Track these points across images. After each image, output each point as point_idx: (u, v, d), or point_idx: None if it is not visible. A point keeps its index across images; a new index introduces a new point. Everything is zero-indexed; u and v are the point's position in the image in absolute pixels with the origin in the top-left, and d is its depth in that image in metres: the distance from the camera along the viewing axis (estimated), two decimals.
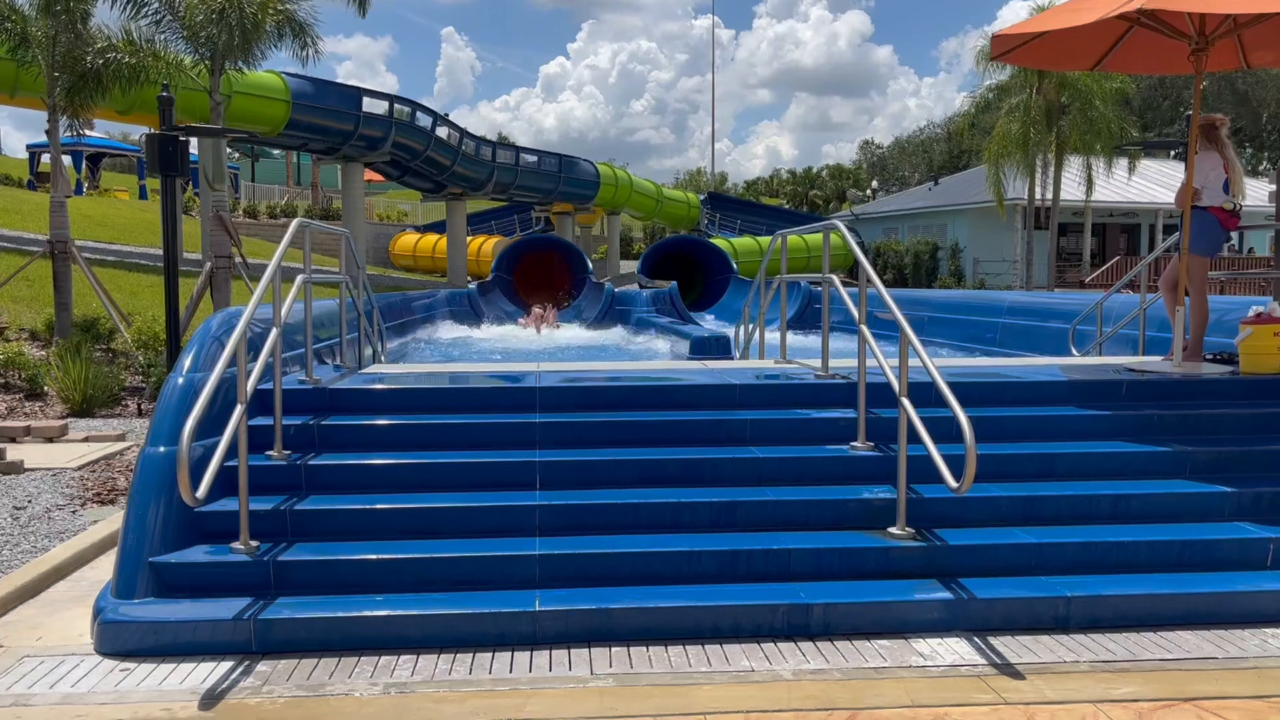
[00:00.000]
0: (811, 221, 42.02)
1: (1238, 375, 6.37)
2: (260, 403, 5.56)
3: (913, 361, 4.88)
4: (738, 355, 9.18)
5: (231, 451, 4.52)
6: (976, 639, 4.38)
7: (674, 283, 18.22)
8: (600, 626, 4.35)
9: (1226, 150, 6.89)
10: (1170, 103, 60.93)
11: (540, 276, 23.04)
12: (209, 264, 13.38)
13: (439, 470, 5.18)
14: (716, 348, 10.34)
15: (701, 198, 43.94)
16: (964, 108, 37.41)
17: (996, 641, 4.36)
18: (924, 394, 5.56)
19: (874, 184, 66.47)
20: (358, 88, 26.93)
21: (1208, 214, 6.88)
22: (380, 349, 8.77)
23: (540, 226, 40.96)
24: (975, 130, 37.54)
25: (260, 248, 33.01)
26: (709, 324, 18.28)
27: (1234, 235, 28.69)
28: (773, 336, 8.43)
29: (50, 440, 8.96)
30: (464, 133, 30.87)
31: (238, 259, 13.67)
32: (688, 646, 4.31)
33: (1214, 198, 6.88)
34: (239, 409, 4.54)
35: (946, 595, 4.51)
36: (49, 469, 7.73)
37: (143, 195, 40.39)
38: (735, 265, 24.42)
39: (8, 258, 18.13)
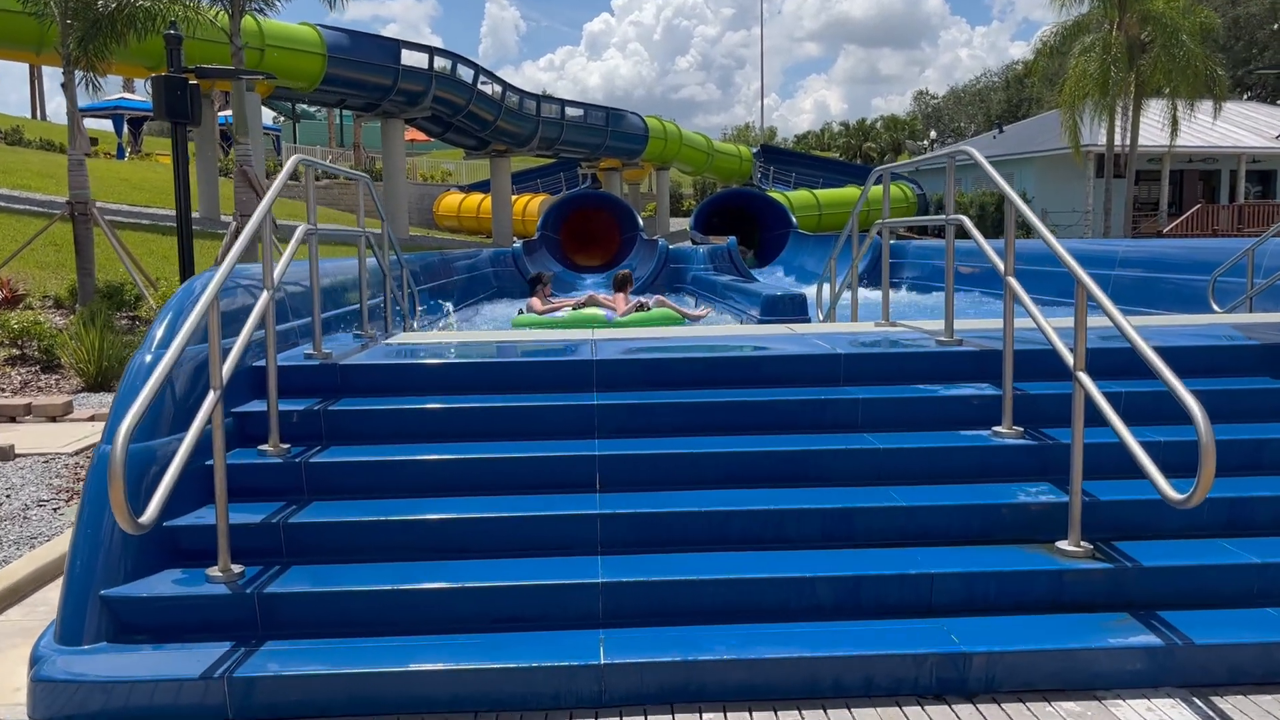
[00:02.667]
0: (861, 172, 40.25)
1: None
2: (256, 383, 4.53)
3: (1095, 322, 3.69)
4: (820, 316, 8.00)
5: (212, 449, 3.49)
6: (1198, 700, 3.23)
7: (732, 238, 16.96)
8: (686, 684, 3.27)
9: None
10: (1244, 43, 57.80)
11: (589, 234, 21.90)
12: (234, 223, 12.42)
13: (470, 468, 4.11)
14: (791, 307, 9.16)
15: (754, 150, 42.30)
16: (1026, 54, 35.35)
17: (1226, 704, 3.20)
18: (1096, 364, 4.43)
19: (931, 134, 64.15)
20: (396, 40, 25.87)
21: None
22: (413, 315, 7.73)
23: (588, 184, 39.70)
24: (1039, 78, 35.53)
25: (301, 210, 32.24)
26: (775, 282, 17.06)
27: None
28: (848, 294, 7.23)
29: (53, 419, 8.06)
30: (507, 86, 29.68)
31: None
32: (804, 711, 3.21)
33: None
34: (211, 395, 3.48)
35: (1150, 639, 3.35)
36: (41, 455, 6.81)
37: (119, 154, 39.75)
38: (794, 219, 23.07)
39: (36, 222, 17.39)
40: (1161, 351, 4.84)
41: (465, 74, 27.70)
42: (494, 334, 6.78)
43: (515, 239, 25.68)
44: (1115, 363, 4.76)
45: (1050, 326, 3.97)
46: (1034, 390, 4.53)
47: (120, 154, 39.33)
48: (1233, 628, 3.41)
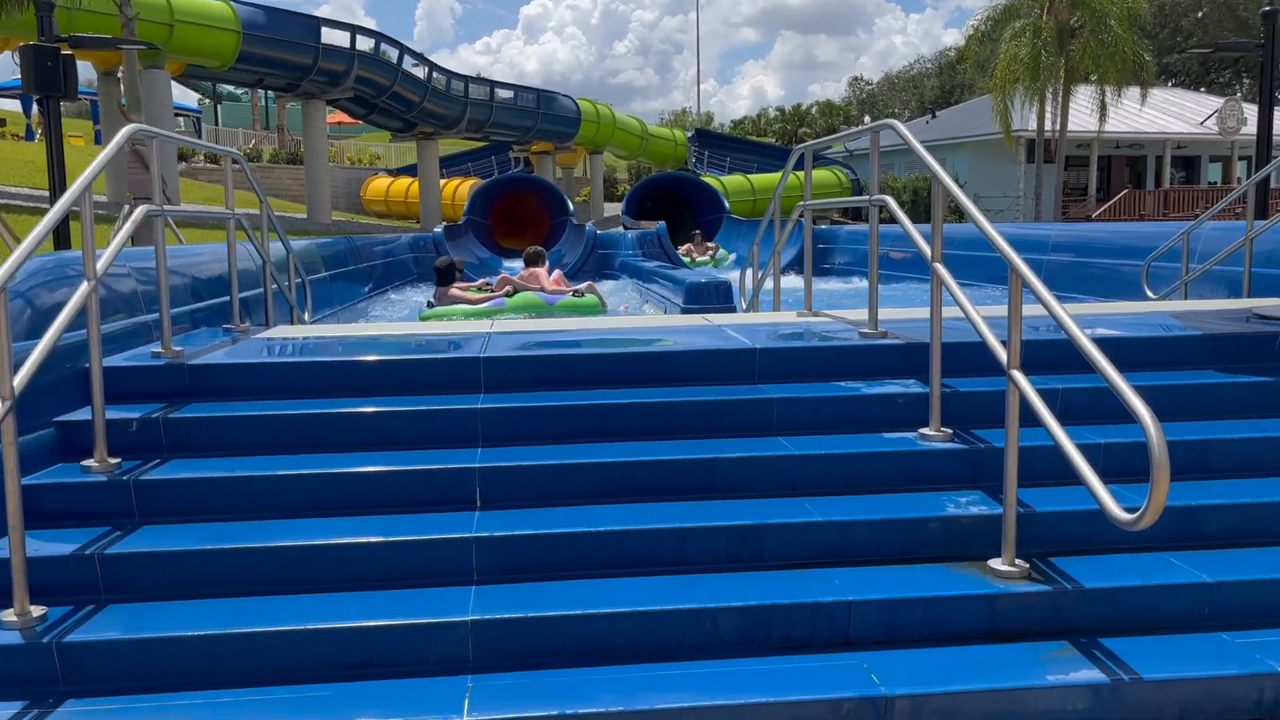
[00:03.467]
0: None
1: None
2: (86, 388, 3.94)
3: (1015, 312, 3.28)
4: (743, 306, 7.56)
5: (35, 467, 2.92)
6: None
7: (661, 222, 16.51)
8: None
9: None
10: (1169, 30, 58.74)
11: (519, 219, 21.30)
12: (126, 207, 11.59)
13: (330, 485, 3.58)
14: (716, 295, 8.72)
15: (689, 135, 41.80)
16: (959, 40, 35.42)
17: None
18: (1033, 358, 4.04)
19: (866, 119, 64.31)
20: (316, 17, 24.88)
21: None
22: (302, 307, 7.13)
23: (520, 168, 38.90)
24: (970, 64, 35.59)
25: (222, 194, 31.04)
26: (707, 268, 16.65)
27: None
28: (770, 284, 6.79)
29: None
30: (434, 66, 28.80)
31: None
32: None
33: None
34: (0, 406, 2.91)
35: (1094, 675, 2.95)
36: None
37: (98, 140, 38.11)
38: (727, 204, 22.69)
39: None
40: (1102, 343, 4.48)
41: (390, 53, 26.79)
42: (385, 327, 6.22)
43: (444, 223, 24.94)
44: (1053, 355, 4.39)
45: (982, 317, 3.56)
46: (965, 388, 4.13)
47: (29, 135, 37.55)
48: (1184, 659, 3.03)
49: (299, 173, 32.48)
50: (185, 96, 54.82)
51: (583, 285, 9.68)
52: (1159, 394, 4.13)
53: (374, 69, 26.16)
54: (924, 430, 3.92)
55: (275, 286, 6.44)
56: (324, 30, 24.85)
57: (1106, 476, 3.68)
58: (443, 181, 33.83)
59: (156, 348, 4.30)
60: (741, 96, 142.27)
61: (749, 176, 33.89)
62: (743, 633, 3.12)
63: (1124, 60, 27.21)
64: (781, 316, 5.73)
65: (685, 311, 8.81)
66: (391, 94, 27.10)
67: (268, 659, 2.98)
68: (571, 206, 21.73)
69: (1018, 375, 3.25)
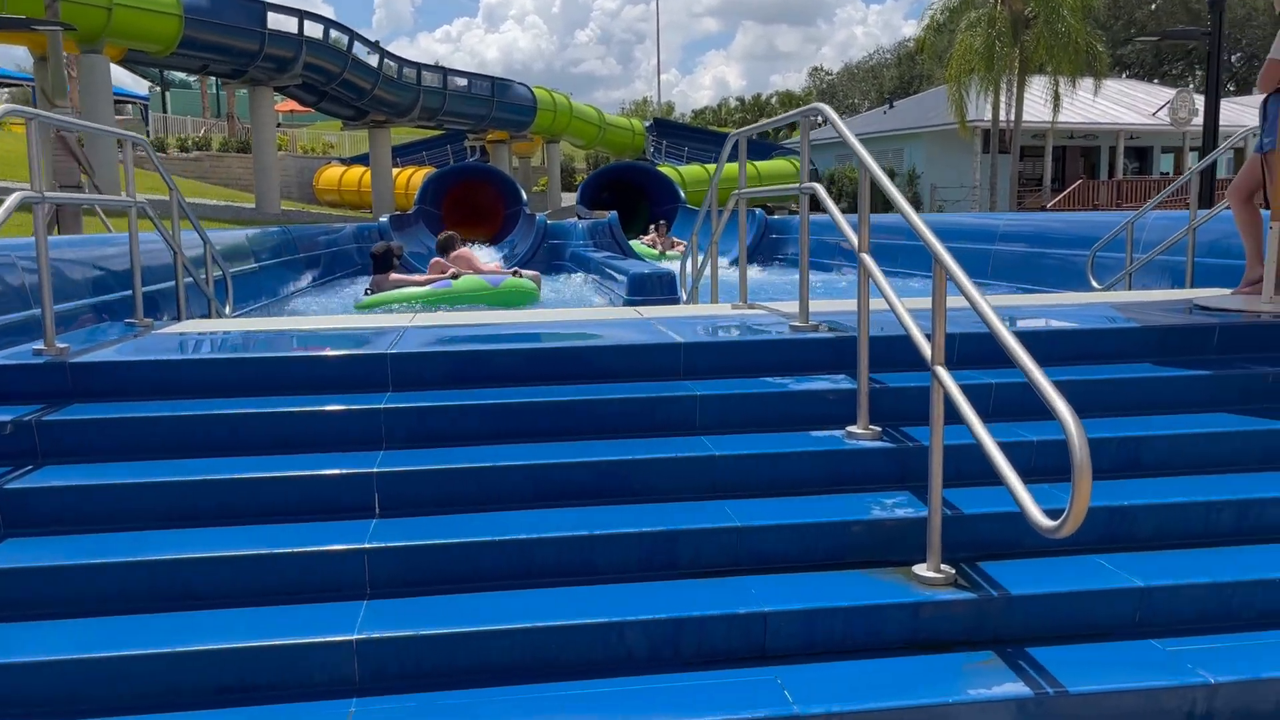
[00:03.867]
0: (766, 150, 39.92)
1: None
2: None
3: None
4: (684, 297, 7.38)
5: None
6: None
7: (613, 212, 16.28)
8: None
9: None
10: (1123, 22, 59.29)
11: (473, 209, 20.98)
12: None
13: (217, 492, 3.34)
14: (660, 287, 8.52)
15: (647, 124, 41.56)
16: (916, 32, 35.46)
17: None
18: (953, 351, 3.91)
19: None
20: (263, 2, 24.28)
21: None
22: (222, 300, 6.84)
23: (476, 157, 38.46)
24: (928, 54, 35.67)
25: (178, 185, 30.32)
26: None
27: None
28: (728, 274, 6.62)
29: None
30: (385, 53, 28.32)
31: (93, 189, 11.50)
32: None
33: None
34: None
35: (1019, 688, 2.79)
36: None
37: None
38: (683, 194, 22.49)
39: None
40: (1036, 336, 4.38)
41: (339, 39, 26.28)
42: (302, 321, 5.94)
43: (390, 213, 24.49)
44: (990, 349, 4.23)
45: (907, 310, 3.39)
46: (895, 383, 3.97)
47: None
48: (1113, 669, 2.88)
49: (249, 161, 31.84)
50: (140, 85, 53.70)
51: (528, 273, 9.50)
52: (1093, 389, 4.02)
53: (323, 55, 25.66)
54: (851, 428, 3.76)
55: (191, 279, 6.15)
56: (272, 15, 24.31)
57: (1039, 476, 3.56)
58: (396, 170, 33.36)
59: (39, 344, 4.02)
60: (704, 86, 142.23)
61: (707, 166, 33.74)
62: (652, 647, 2.93)
63: (1077, 51, 27.37)
64: (717, 309, 5.55)
65: (629, 303, 8.62)
66: (342, 81, 26.60)
67: (135, 685, 2.75)
68: (525, 196, 21.46)
69: (941, 371, 3.08)
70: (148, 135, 37.92)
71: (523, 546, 3.18)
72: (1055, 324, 4.58)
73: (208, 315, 6.47)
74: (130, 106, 46.21)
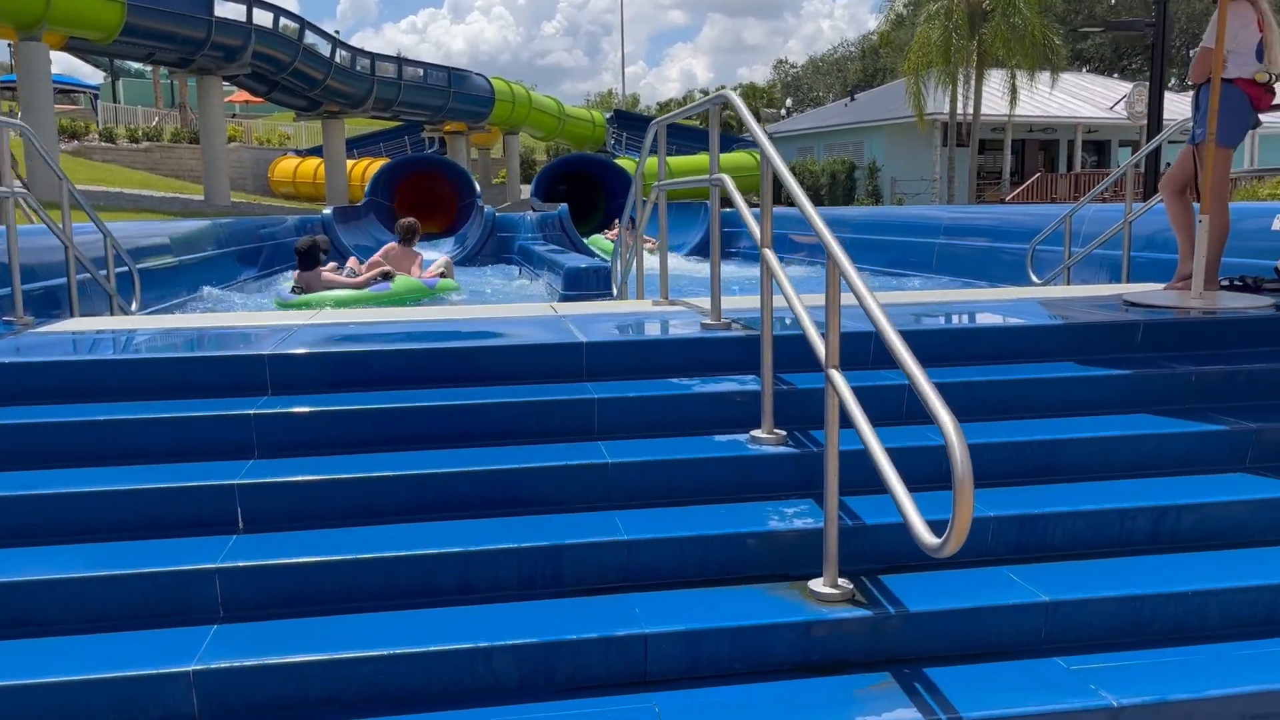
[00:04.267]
0: (728, 143, 39.71)
1: None
2: None
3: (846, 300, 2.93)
4: (615, 292, 7.17)
5: None
6: None
7: (563, 205, 16.02)
8: None
9: (1261, 3, 5.03)
10: (1083, 17, 59.66)
11: (428, 202, 20.63)
12: None
13: (57, 507, 3.09)
14: (596, 281, 8.31)
15: (608, 116, 41.25)
16: (879, 25, 35.37)
17: None
18: (858, 349, 3.74)
19: (788, 102, 64.44)
20: None
21: (1234, 88, 5.02)
22: (128, 296, 6.54)
23: (435, 148, 38.00)
24: (890, 48, 35.67)
25: (116, 175, 29.71)
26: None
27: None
28: (688, 266, 6.40)
29: None
30: (337, 42, 27.84)
31: (17, 186, 11.04)
32: None
33: (1243, 66, 5.03)
34: None
35: (912, 714, 2.62)
36: None
37: None
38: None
39: None
40: (955, 334, 4.21)
41: (290, 27, 25.77)
42: (195, 318, 5.65)
43: (334, 205, 24.05)
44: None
45: (805, 308, 3.20)
46: (804, 384, 3.79)
47: None
48: (1012, 690, 2.71)
49: (194, 151, 31.32)
50: (98, 75, 52.58)
51: (440, 262, 9.21)
52: (1011, 389, 3.86)
53: (273, 44, 25.15)
54: (756, 432, 3.57)
55: (90, 275, 5.85)
56: (220, 3, 23.79)
57: (945, 483, 3.39)
58: (352, 162, 32.86)
59: None
60: (671, 79, 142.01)
61: (667, 159, 33.50)
62: (523, 674, 2.73)
63: (1035, 44, 27.43)
64: (638, 306, 5.34)
65: (564, 298, 8.41)
66: (293, 71, 26.10)
67: None
68: (479, 188, 21.15)
69: (835, 375, 2.90)
70: (96, 125, 37.11)
71: (392, 564, 2.96)
72: (978, 321, 4.42)
73: (109, 313, 6.17)
74: (82, 96, 45.34)
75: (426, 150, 37.02)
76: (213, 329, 4.47)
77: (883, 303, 4.35)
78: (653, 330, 4.34)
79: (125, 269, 6.56)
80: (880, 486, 3.29)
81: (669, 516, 3.26)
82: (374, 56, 29.80)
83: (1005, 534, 3.25)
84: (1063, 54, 28.89)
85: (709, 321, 4.26)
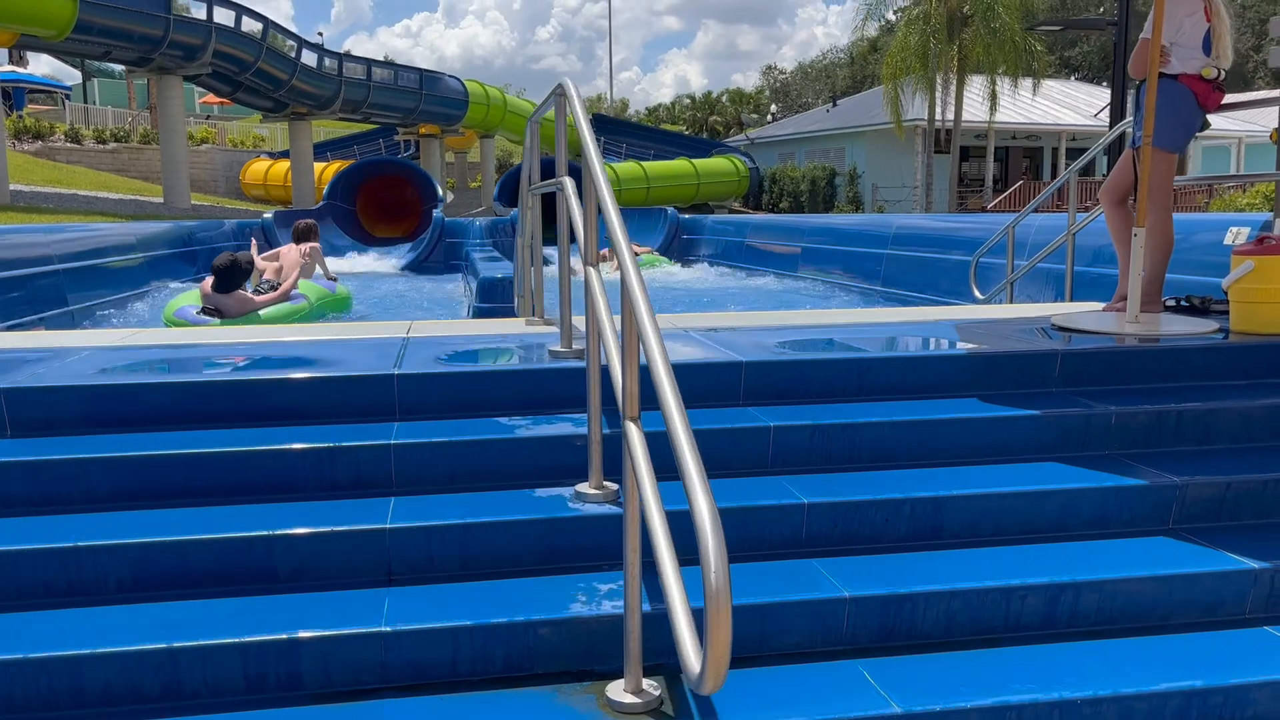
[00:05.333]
0: (707, 147, 39.16)
1: (1227, 338, 4.00)
2: None
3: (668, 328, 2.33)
4: (516, 307, 6.56)
5: None
6: None
7: (514, 210, 15.42)
8: None
9: None
10: (1081, 30, 59.21)
11: (393, 206, 20.06)
12: None
13: None
14: (511, 293, 7.70)
15: None
16: (860, 32, 34.80)
17: None
18: (721, 383, 3.17)
19: (773, 108, 64.02)
20: None
21: (1178, 85, 4.46)
22: None
23: (410, 151, 37.36)
24: (877, 54, 35.20)
25: (76, 176, 28.99)
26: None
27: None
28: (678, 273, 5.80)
29: None
30: (303, 42, 27.21)
31: None
32: None
33: (1188, 60, 4.47)
34: None
35: None
36: None
37: None
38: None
39: None
40: (844, 365, 3.62)
41: (252, 27, 25.13)
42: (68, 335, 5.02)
43: (277, 209, 23.34)
44: (777, 381, 3.50)
45: (655, 338, 2.60)
46: (652, 425, 3.19)
47: None
48: None
49: (153, 153, 30.69)
50: (74, 75, 51.71)
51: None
52: (898, 432, 3.27)
53: (235, 44, 24.50)
54: (582, 487, 2.98)
55: None
56: (179, 1, 23.14)
57: (800, 549, 2.82)
58: (322, 165, 32.23)
59: None
60: (664, 85, 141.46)
61: (643, 164, 32.97)
62: None
63: (1016, 50, 26.92)
64: (506, 326, 4.74)
65: (478, 311, 7.82)
66: (256, 70, 25.44)
67: None
68: (440, 192, 20.58)
69: (631, 427, 2.31)
70: (68, 126, 36.38)
71: (80, 664, 2.36)
72: (871, 350, 3.83)
73: None
74: (64, 97, 44.60)
75: (405, 153, 36.41)
76: None
77: (774, 324, 3.78)
78: (491, 359, 3.75)
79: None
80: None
81: (456, 596, 2.66)
82: (341, 57, 29.17)
83: (865, 619, 2.66)
84: (1045, 60, 28.39)
85: (558, 349, 3.66)
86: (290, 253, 8.76)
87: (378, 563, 2.75)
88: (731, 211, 35.38)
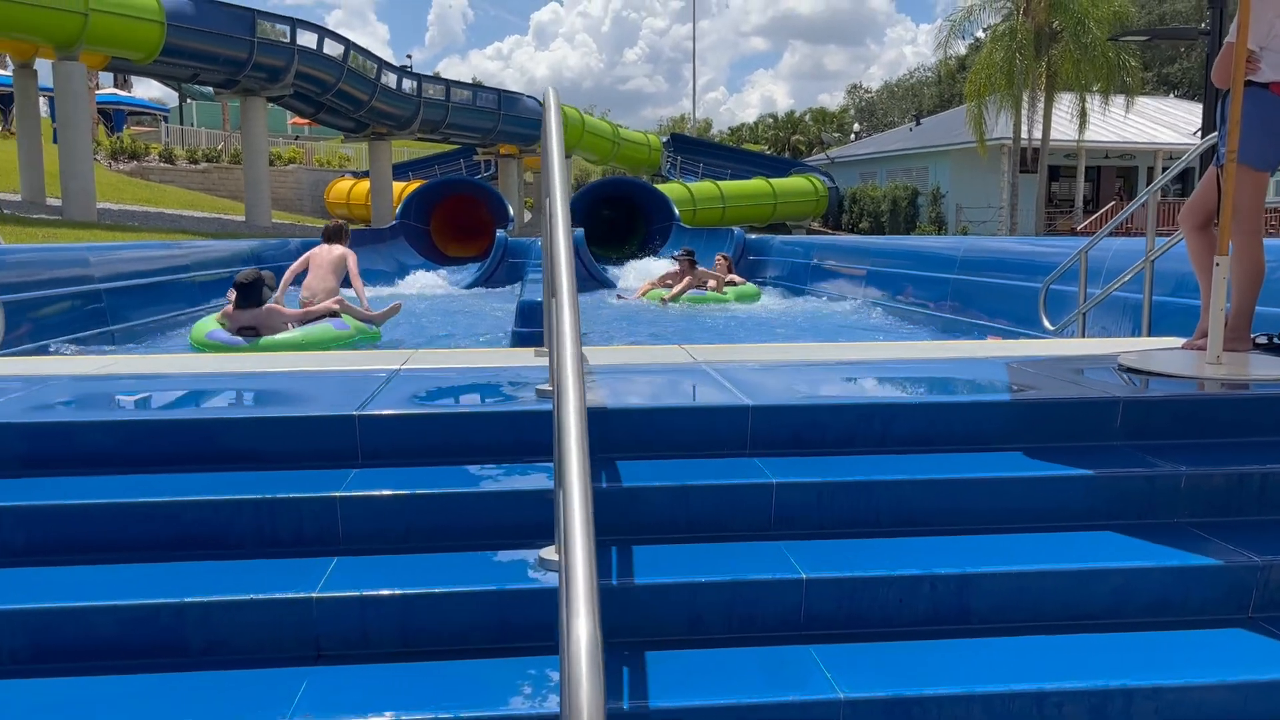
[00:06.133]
0: (786, 166, 38.64)
1: None
2: None
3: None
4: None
5: None
6: None
7: (580, 230, 15.19)
8: None
9: None
10: (1170, 40, 57.03)
11: (469, 225, 20.08)
12: None
13: None
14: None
15: (664, 140, 40.50)
16: (954, 48, 33.82)
17: None
18: (726, 430, 2.81)
19: (856, 127, 63.07)
20: (250, 9, 23.60)
21: (1268, 94, 3.92)
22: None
23: (489, 172, 37.66)
24: (965, 73, 34.28)
25: (164, 195, 29.77)
26: (632, 280, 15.32)
27: None
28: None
29: None
30: (383, 63, 27.57)
31: None
32: None
33: (1278, 67, 3.92)
34: None
35: None
36: None
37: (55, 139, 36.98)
38: (677, 211, 21.32)
39: None
40: (867, 410, 3.18)
41: (334, 49, 25.53)
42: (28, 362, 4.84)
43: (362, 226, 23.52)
44: (788, 428, 3.08)
45: (577, 383, 2.22)
46: (640, 479, 2.81)
47: None
48: None
49: (236, 173, 31.46)
50: (172, 98, 53.54)
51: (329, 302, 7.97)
52: (922, 491, 2.82)
53: (317, 65, 24.92)
54: (546, 552, 2.59)
55: None
56: (262, 23, 23.63)
57: (814, 631, 2.41)
58: (401, 185, 32.59)
59: None
60: (750, 105, 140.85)
61: (719, 183, 32.61)
62: None
63: (1108, 66, 25.85)
64: (514, 358, 4.38)
65: (516, 338, 7.50)
66: (337, 91, 25.84)
67: None
68: (511, 212, 20.51)
69: (568, 485, 1.92)
70: (164, 146, 37.53)
71: None
72: (902, 393, 3.38)
73: None
74: (154, 117, 46.19)
75: (481, 174, 36.69)
76: None
77: (798, 359, 3.43)
78: (473, 397, 3.40)
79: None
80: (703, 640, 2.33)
81: (387, 681, 2.30)
82: (420, 78, 29.51)
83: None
84: (1139, 76, 27.20)
85: (545, 388, 3.29)
86: (322, 254, 8.36)
87: (303, 637, 2.40)
88: (809, 232, 34.78)
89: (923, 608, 2.54)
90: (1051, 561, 2.61)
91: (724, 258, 12.99)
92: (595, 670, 1.35)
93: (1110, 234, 6.41)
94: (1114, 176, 37.55)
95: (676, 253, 13.11)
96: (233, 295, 7.45)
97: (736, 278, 12.69)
